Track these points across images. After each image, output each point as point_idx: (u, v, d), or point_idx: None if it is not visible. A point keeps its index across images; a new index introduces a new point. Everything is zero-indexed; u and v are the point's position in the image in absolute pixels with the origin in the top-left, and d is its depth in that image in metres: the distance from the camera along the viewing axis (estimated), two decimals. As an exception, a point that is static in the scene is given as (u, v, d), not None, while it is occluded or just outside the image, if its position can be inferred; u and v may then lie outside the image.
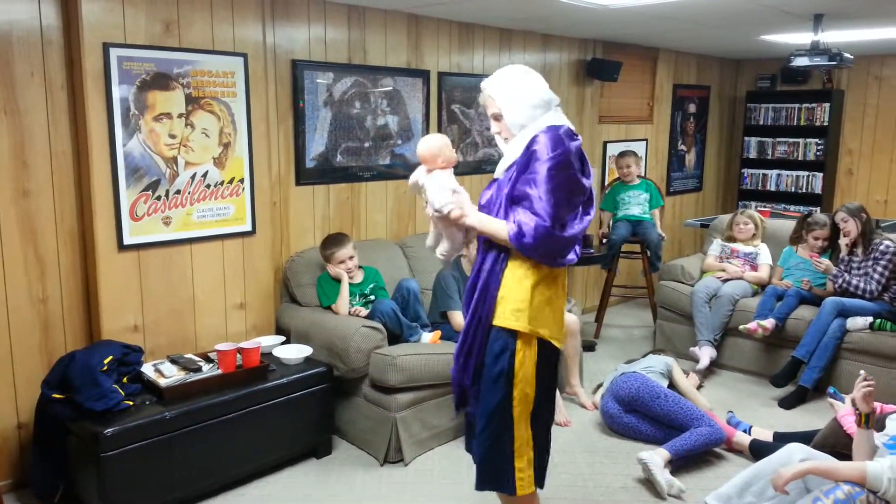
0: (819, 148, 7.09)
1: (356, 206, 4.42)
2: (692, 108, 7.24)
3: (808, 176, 7.19)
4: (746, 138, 7.54)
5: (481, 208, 2.38)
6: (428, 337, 3.75)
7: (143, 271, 3.37)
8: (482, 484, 2.39)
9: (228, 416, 3.16)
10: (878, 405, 3.13)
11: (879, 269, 4.32)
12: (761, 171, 7.48)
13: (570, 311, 4.26)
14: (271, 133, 3.90)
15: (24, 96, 3.07)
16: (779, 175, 7.37)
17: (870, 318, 4.27)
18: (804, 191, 7.22)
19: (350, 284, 3.85)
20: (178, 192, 3.45)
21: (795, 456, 2.70)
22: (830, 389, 3.42)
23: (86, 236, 3.29)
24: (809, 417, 4.08)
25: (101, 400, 2.90)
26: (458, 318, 3.78)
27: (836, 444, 3.13)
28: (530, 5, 4.19)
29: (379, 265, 4.12)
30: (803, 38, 5.26)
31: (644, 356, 4.27)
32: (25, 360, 3.20)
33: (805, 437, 3.28)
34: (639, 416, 3.76)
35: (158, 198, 3.39)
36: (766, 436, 3.65)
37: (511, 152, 2.30)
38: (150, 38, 3.27)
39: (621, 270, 5.99)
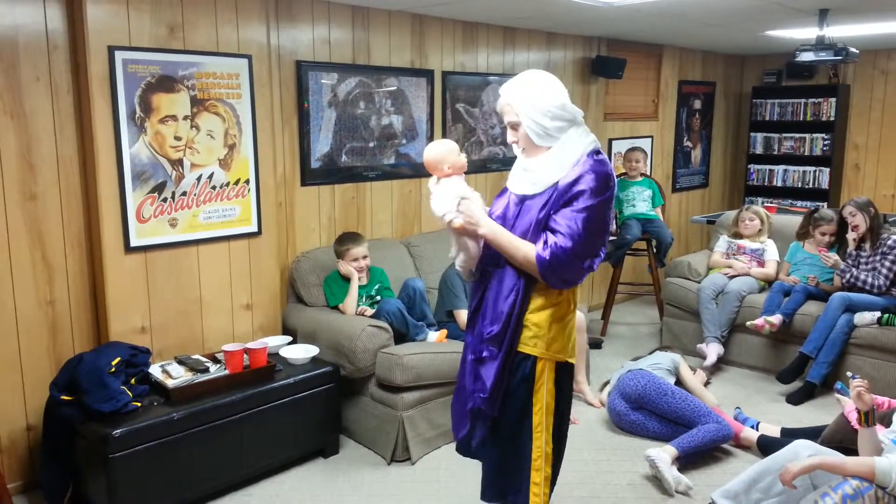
0: (826, 143, 7.05)
1: (361, 206, 4.43)
2: (697, 104, 7.21)
3: (814, 171, 7.16)
4: (752, 134, 7.51)
5: (494, 219, 2.25)
6: (434, 336, 3.75)
7: (150, 273, 3.39)
8: (492, 496, 2.34)
9: (236, 417, 3.17)
10: (885, 400, 3.12)
11: (888, 263, 4.30)
12: (768, 167, 7.45)
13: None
14: (276, 134, 3.91)
15: (30, 100, 3.09)
16: (785, 171, 7.34)
17: (877, 313, 4.25)
18: (811, 186, 7.19)
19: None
20: (184, 193, 3.46)
21: (803, 452, 2.69)
22: (838, 385, 3.40)
23: (93, 239, 3.30)
24: (817, 413, 4.07)
25: (109, 401, 2.91)
26: (464, 317, 3.78)
27: (844, 439, 3.12)
28: (534, 4, 4.19)
29: (384, 265, 4.12)
30: (808, 33, 5.24)
31: (651, 353, 4.26)
32: (33, 363, 3.22)
33: (813, 433, 3.27)
34: (646, 413, 3.76)
35: (165, 200, 3.40)
36: (774, 432, 3.64)
37: (550, 171, 2.15)
38: (154, 41, 3.28)
39: (627, 267, 5.98)
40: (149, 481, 2.93)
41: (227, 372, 3.27)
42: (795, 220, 5.08)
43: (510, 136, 2.23)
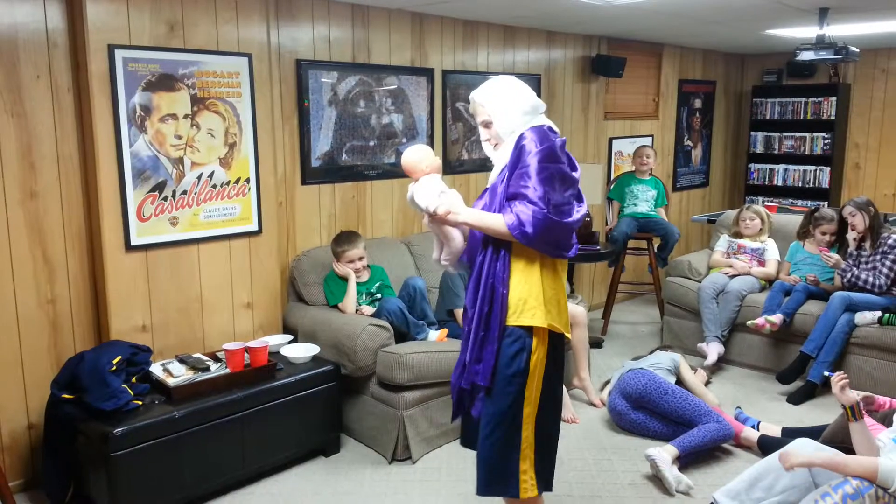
0: (826, 142, 7.05)
1: (362, 205, 4.43)
2: (698, 103, 7.21)
3: (815, 170, 7.16)
4: (753, 133, 7.51)
5: None
6: (435, 335, 3.75)
7: (151, 272, 3.39)
8: (486, 488, 2.37)
9: (237, 416, 3.17)
10: (887, 400, 3.12)
11: (888, 262, 4.30)
12: (768, 166, 7.45)
13: (578, 304, 4.28)
14: (276, 133, 3.91)
15: (31, 99, 3.09)
16: (786, 170, 7.34)
17: (878, 313, 4.25)
18: (811, 185, 7.19)
19: (357, 283, 3.85)
20: (184, 192, 3.46)
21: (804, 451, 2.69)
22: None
23: (93, 237, 3.30)
24: (818, 413, 4.07)
25: (110, 400, 2.91)
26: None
27: (845, 439, 3.12)
28: (534, 2, 4.19)
29: (385, 264, 4.12)
30: (809, 31, 5.24)
31: (651, 352, 4.26)
32: (34, 361, 3.22)
33: (813, 433, 3.27)
34: (646, 412, 3.76)
35: (165, 198, 3.40)
36: (775, 431, 3.64)
37: (502, 156, 2.33)
38: (154, 40, 3.28)
39: (627, 267, 5.98)
40: (150, 480, 2.92)
41: (227, 371, 3.27)
42: (796, 220, 5.08)
43: (483, 135, 2.41)
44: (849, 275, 4.39)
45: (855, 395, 2.67)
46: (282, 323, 3.96)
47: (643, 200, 5.57)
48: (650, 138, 6.65)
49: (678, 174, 7.11)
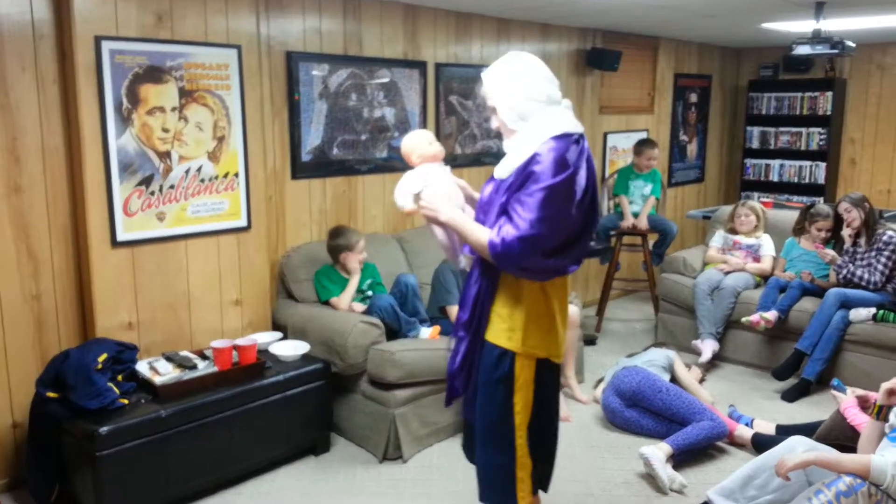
0: (822, 137, 7.03)
1: (353, 200, 4.38)
2: (693, 97, 7.18)
3: (810, 166, 7.14)
4: (749, 128, 7.48)
5: (479, 205, 2.25)
6: (427, 332, 3.71)
7: (138, 268, 3.34)
8: (487, 497, 2.33)
9: (225, 414, 3.13)
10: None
11: (883, 259, 4.28)
12: (764, 161, 7.43)
13: (571, 302, 4.24)
14: (266, 126, 3.85)
15: (16, 91, 3.03)
16: (781, 165, 7.32)
17: (873, 310, 4.23)
18: (807, 181, 7.17)
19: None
20: (171, 187, 3.41)
21: (798, 449, 2.68)
22: (834, 381, 3.38)
23: (79, 232, 3.25)
24: (812, 410, 4.05)
25: (95, 398, 2.87)
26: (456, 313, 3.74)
27: (840, 436, 3.11)
28: (528, -5, 4.14)
29: (376, 260, 4.08)
30: (805, 26, 5.21)
31: (645, 350, 4.24)
32: (19, 359, 3.17)
33: (808, 430, 3.25)
34: (640, 410, 3.73)
35: (152, 193, 3.35)
36: (769, 429, 3.62)
37: (514, 154, 2.10)
38: (142, 31, 3.22)
39: (622, 264, 5.95)
40: (136, 479, 2.88)
41: (215, 369, 3.22)
42: (791, 216, 5.05)
43: (493, 122, 2.22)
44: (844, 271, 4.36)
45: (875, 395, 2.64)
46: (271, 320, 3.91)
47: (639, 196, 5.53)
48: (645, 133, 6.61)
49: (673, 169, 7.07)
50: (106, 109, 3.15)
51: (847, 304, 4.28)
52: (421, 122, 4.63)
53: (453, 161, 4.91)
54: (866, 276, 4.30)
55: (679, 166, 7.16)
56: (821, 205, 4.85)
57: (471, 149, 5.02)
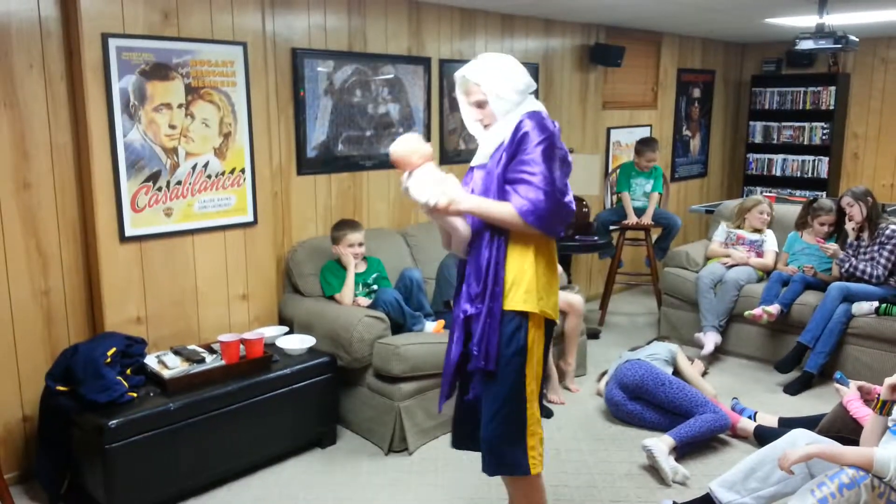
0: (825, 132, 7.03)
1: (358, 196, 4.41)
2: (697, 92, 7.18)
3: (813, 160, 7.14)
4: (752, 123, 7.49)
5: (474, 193, 2.38)
6: (431, 326, 3.74)
7: (146, 263, 3.37)
8: (496, 468, 2.38)
9: (232, 407, 3.16)
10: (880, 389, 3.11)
11: (886, 253, 4.29)
12: (767, 156, 7.43)
13: (575, 294, 4.29)
14: (272, 122, 3.88)
15: (24, 88, 3.06)
16: (784, 160, 7.33)
17: (875, 303, 4.24)
18: (810, 175, 7.18)
19: (354, 274, 3.84)
20: (178, 182, 3.44)
21: (800, 441, 2.69)
22: (837, 374, 3.40)
23: (87, 228, 3.28)
24: (815, 403, 4.07)
25: (104, 392, 2.90)
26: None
27: (842, 429, 3.12)
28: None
29: (381, 255, 4.10)
30: (808, 20, 5.21)
31: (648, 343, 4.25)
32: (29, 353, 3.20)
33: (810, 423, 3.27)
34: (643, 403, 3.75)
35: (159, 189, 3.38)
36: (771, 421, 3.64)
37: (494, 137, 2.33)
38: (148, 28, 3.25)
39: (625, 258, 5.96)
40: (145, 472, 2.92)
41: (223, 362, 3.26)
42: (794, 210, 5.06)
43: (475, 115, 2.38)
44: (847, 265, 4.38)
45: (878, 388, 2.66)
46: (277, 314, 3.94)
47: (641, 194, 5.55)
48: (648, 128, 6.62)
49: (676, 164, 7.08)
50: (113, 106, 3.18)
51: (850, 298, 4.30)
52: (425, 117, 4.65)
53: (457, 156, 4.93)
54: (869, 269, 4.31)
55: (682, 161, 7.17)
56: (823, 199, 4.86)
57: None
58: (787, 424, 3.48)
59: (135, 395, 3.00)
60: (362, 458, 3.48)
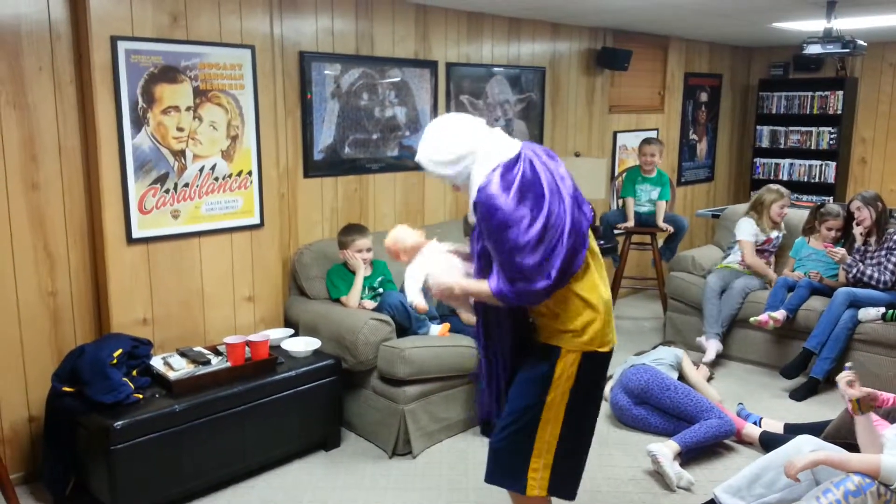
0: (832, 136, 7.01)
1: (364, 199, 4.41)
2: (704, 96, 7.17)
3: (821, 165, 7.12)
4: (759, 127, 7.47)
5: (475, 254, 2.29)
6: (436, 329, 3.74)
7: (152, 265, 3.38)
8: (493, 477, 2.37)
9: (237, 409, 3.17)
10: (890, 396, 3.10)
11: (894, 258, 4.28)
12: (774, 161, 7.41)
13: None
14: (279, 125, 3.89)
15: (33, 90, 3.08)
16: (791, 164, 7.30)
17: (882, 309, 4.22)
18: (817, 180, 7.15)
19: (358, 277, 3.85)
20: (186, 185, 3.45)
21: (805, 447, 2.68)
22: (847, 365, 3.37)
23: (95, 230, 3.30)
24: (821, 409, 4.05)
25: (110, 393, 2.91)
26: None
27: (848, 435, 3.10)
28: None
29: (387, 258, 4.09)
30: (816, 25, 5.20)
31: (654, 348, 4.25)
32: (35, 354, 3.22)
33: (816, 429, 3.26)
34: (648, 408, 3.75)
35: (167, 191, 3.39)
36: (777, 427, 3.63)
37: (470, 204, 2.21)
38: (157, 31, 3.27)
39: (630, 262, 5.96)
40: (150, 473, 2.93)
41: (228, 364, 3.27)
42: (801, 215, 5.04)
43: (453, 189, 2.30)
44: (854, 270, 4.36)
45: (888, 396, 2.66)
46: (283, 317, 3.95)
47: (646, 200, 5.54)
48: (655, 132, 6.61)
49: (683, 168, 7.07)
50: (122, 109, 3.19)
51: (856, 304, 4.28)
52: (432, 121, 4.65)
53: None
54: (876, 275, 4.30)
55: (689, 165, 7.15)
56: (831, 204, 4.84)
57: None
58: (792, 430, 3.47)
59: (140, 396, 3.01)
60: (367, 461, 3.48)
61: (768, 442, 3.45)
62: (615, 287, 5.63)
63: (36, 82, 3.08)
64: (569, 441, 2.30)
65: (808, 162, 7.19)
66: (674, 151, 6.92)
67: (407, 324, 3.70)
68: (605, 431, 3.81)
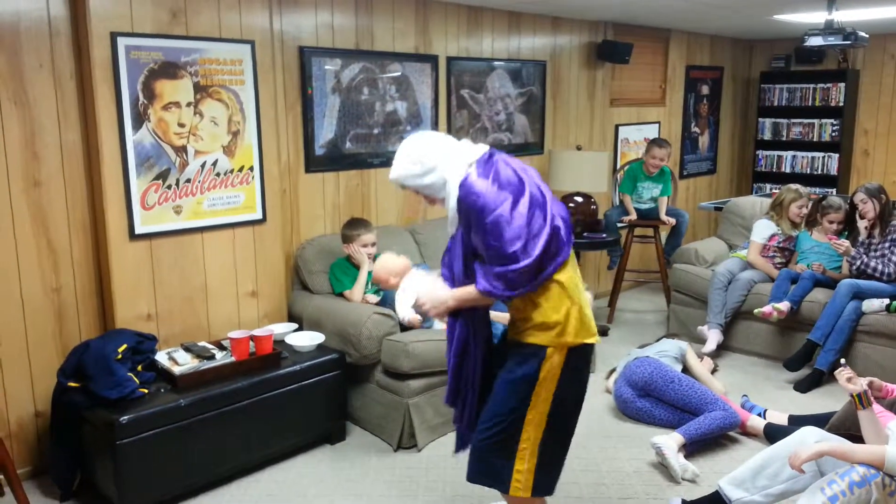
0: (834, 129, 7.00)
1: (366, 193, 4.41)
2: (705, 89, 7.16)
3: (823, 157, 7.11)
4: (761, 119, 7.46)
5: (443, 262, 2.40)
6: (440, 323, 3.74)
7: (156, 260, 3.39)
8: (475, 476, 2.38)
9: (242, 404, 3.17)
10: (893, 387, 3.10)
11: (896, 250, 4.27)
12: (776, 153, 7.40)
13: (585, 290, 4.27)
14: (280, 120, 3.89)
15: (33, 87, 3.08)
16: (794, 156, 7.29)
17: (886, 301, 4.22)
18: (819, 172, 7.14)
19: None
20: (188, 180, 3.45)
21: (809, 439, 2.68)
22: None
23: (97, 226, 3.30)
24: (825, 400, 4.05)
25: (115, 388, 2.92)
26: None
27: (852, 426, 3.10)
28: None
29: (389, 252, 4.10)
30: (817, 17, 5.19)
31: (658, 340, 4.25)
32: (41, 349, 3.23)
33: (820, 420, 3.26)
34: (652, 400, 3.75)
35: (169, 187, 3.39)
36: (781, 419, 3.63)
37: (449, 210, 2.27)
38: (157, 27, 3.26)
39: (634, 255, 5.95)
40: (156, 467, 2.94)
41: (233, 359, 3.27)
42: (804, 207, 5.03)
43: (425, 203, 2.39)
44: (858, 262, 4.36)
45: (862, 383, 2.65)
46: (287, 311, 3.96)
47: (648, 197, 5.53)
48: (657, 125, 6.60)
49: (685, 161, 7.06)
50: (122, 105, 3.19)
51: (860, 295, 4.27)
52: (433, 115, 4.65)
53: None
54: (880, 267, 4.29)
55: (691, 158, 7.14)
56: (832, 197, 4.82)
57: (482, 141, 5.01)
58: (797, 422, 3.47)
59: (145, 391, 3.01)
60: (371, 455, 3.49)
61: (773, 433, 3.45)
62: (618, 279, 5.63)
63: (36, 79, 3.08)
64: (553, 441, 2.32)
65: (810, 154, 7.18)
66: (676, 144, 6.90)
67: (410, 318, 3.70)
68: (608, 424, 3.82)
